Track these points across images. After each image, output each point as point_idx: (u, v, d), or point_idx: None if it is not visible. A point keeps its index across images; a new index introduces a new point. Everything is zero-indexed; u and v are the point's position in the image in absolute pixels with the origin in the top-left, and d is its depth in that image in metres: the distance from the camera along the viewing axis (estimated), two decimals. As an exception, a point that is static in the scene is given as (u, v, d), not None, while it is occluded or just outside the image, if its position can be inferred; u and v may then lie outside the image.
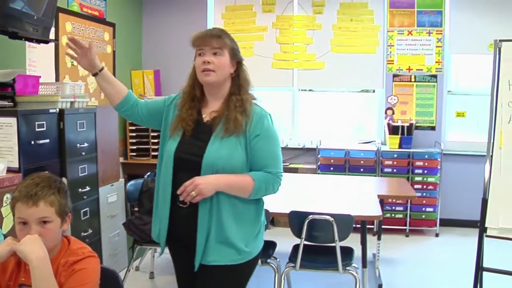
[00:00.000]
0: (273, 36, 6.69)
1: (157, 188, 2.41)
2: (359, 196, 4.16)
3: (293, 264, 3.43)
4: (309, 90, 6.82)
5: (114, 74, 6.04)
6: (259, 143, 2.26)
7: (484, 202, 3.37)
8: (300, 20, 6.65)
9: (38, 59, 4.66)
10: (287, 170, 6.15)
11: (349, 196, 4.14)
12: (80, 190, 3.78)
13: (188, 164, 2.26)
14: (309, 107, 6.86)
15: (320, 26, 6.60)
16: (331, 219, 3.19)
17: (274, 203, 3.57)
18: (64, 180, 3.60)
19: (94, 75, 2.48)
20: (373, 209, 3.56)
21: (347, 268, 3.40)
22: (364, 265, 3.55)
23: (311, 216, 3.21)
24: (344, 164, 6.14)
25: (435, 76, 6.42)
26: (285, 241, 3.86)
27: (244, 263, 2.29)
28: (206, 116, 2.35)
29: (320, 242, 3.37)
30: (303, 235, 3.25)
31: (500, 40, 3.33)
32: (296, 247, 3.55)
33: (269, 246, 3.63)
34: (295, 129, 6.82)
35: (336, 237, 3.22)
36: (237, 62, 2.35)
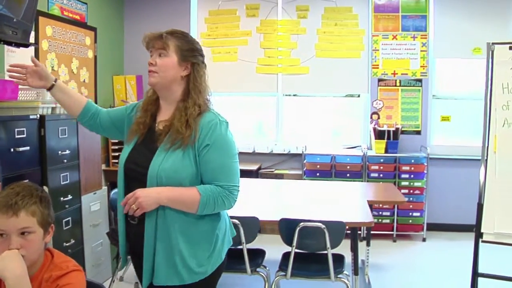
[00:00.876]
0: (257, 40, 6.62)
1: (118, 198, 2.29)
2: (349, 202, 4.10)
3: (283, 273, 3.34)
4: (294, 95, 6.76)
5: (95, 79, 5.94)
6: (208, 154, 2.08)
7: (480, 207, 3.32)
8: (284, 25, 6.59)
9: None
10: (273, 176, 6.10)
11: (338, 202, 4.06)
12: (62, 198, 3.65)
13: (136, 175, 2.14)
14: (294, 112, 6.80)
15: (305, 30, 6.55)
16: (323, 226, 3.11)
17: (261, 211, 3.52)
18: (45, 188, 3.47)
19: (49, 89, 2.32)
20: (365, 215, 3.49)
21: (339, 276, 3.31)
22: (355, 272, 3.47)
23: (302, 223, 3.12)
24: (330, 170, 6.08)
25: (420, 81, 6.40)
26: (273, 248, 3.77)
27: (199, 282, 2.12)
28: (158, 124, 2.22)
29: (311, 250, 3.29)
30: (294, 243, 3.16)
31: (493, 43, 3.28)
32: (286, 255, 3.47)
33: (258, 255, 3.55)
34: (280, 135, 6.75)
35: (328, 245, 3.14)
36: (192, 64, 2.17)
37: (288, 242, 3.22)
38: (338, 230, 3.15)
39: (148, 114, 2.24)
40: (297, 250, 3.25)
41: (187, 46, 2.17)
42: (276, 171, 6.32)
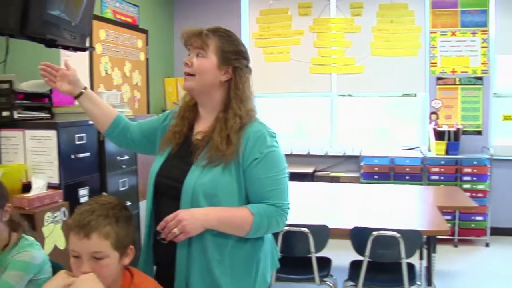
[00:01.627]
0: (310, 40, 6.44)
1: (146, 214, 2.01)
2: (416, 207, 3.90)
3: (353, 283, 3.17)
4: (348, 96, 6.55)
5: (147, 82, 5.89)
6: (257, 169, 1.80)
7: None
8: (338, 23, 6.39)
9: (74, 68, 4.47)
10: (329, 179, 5.92)
11: (406, 207, 3.85)
12: (121, 205, 3.57)
13: (168, 190, 1.87)
14: (349, 113, 6.59)
15: (359, 28, 6.34)
16: (398, 235, 2.92)
17: (330, 218, 3.36)
18: (105, 195, 3.40)
19: (78, 96, 2.11)
20: (438, 222, 3.27)
21: (412, 286, 3.12)
22: (429, 283, 3.27)
23: (375, 232, 2.94)
24: (389, 172, 5.85)
25: (480, 78, 6.10)
26: (335, 253, 3.60)
27: None
28: (196, 134, 1.94)
29: (384, 260, 3.09)
30: (367, 253, 2.98)
31: None
32: (354, 264, 3.31)
33: (325, 263, 3.38)
34: (334, 136, 6.55)
35: (403, 255, 2.95)
36: (234, 68, 1.89)
37: (360, 251, 3.04)
38: (413, 239, 2.96)
39: (185, 122, 1.97)
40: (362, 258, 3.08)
41: (229, 47, 1.89)
42: (332, 174, 6.13)
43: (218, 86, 1.88)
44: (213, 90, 1.88)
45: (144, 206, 3.97)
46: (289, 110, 6.79)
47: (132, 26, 5.60)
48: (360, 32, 6.33)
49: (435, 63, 6.18)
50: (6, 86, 3.16)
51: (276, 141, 1.88)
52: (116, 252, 1.57)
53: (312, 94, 6.60)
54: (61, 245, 2.89)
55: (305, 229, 2.98)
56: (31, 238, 1.99)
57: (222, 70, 1.87)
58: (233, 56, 1.89)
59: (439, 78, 6.17)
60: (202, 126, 1.94)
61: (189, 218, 1.71)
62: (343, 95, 6.53)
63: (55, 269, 1.90)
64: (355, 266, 3.30)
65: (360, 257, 3.13)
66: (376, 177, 5.85)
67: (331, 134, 6.56)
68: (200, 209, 1.75)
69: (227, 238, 1.79)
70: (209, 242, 1.78)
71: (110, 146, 3.45)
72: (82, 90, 2.11)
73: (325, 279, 3.26)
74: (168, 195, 1.86)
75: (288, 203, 1.87)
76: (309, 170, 6.07)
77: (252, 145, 1.81)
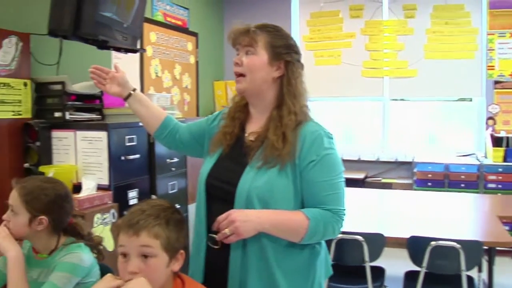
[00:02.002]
0: (362, 43, 6.30)
1: (195, 219, 1.91)
2: (476, 216, 3.71)
3: (408, 295, 3.03)
4: (401, 100, 6.37)
5: (197, 85, 5.88)
6: (314, 172, 1.70)
7: None
8: (390, 25, 6.23)
9: (123, 70, 4.49)
10: (380, 185, 5.76)
11: (464, 217, 3.67)
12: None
13: (220, 193, 1.78)
14: (401, 118, 6.40)
15: (412, 31, 6.15)
16: (458, 246, 2.76)
17: (383, 224, 3.22)
18: (154, 197, 3.37)
19: (127, 98, 2.08)
20: (499, 233, 3.10)
21: (472, 301, 2.96)
22: (490, 297, 3.09)
23: (434, 242, 2.79)
24: (443, 179, 5.62)
25: (541, 82, 5.82)
26: (388, 262, 3.45)
27: None
28: (248, 135, 1.85)
29: (442, 272, 2.93)
30: (425, 264, 2.84)
31: None
32: (409, 275, 3.17)
33: (378, 273, 3.24)
34: (386, 141, 6.38)
35: (463, 267, 2.79)
36: (286, 63, 1.80)
37: (417, 261, 2.90)
38: (474, 250, 2.80)
39: (236, 123, 1.88)
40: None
41: (279, 42, 1.79)
42: (384, 180, 5.96)
43: (271, 83, 1.79)
44: (265, 89, 1.80)
45: (193, 210, 3.95)
46: (339, 114, 6.67)
47: (182, 29, 5.60)
48: (413, 34, 6.14)
49: (493, 66, 5.92)
50: (58, 87, 3.19)
51: (333, 143, 1.77)
52: (166, 254, 1.49)
53: (364, 98, 6.45)
54: (110, 247, 2.86)
55: (359, 237, 2.86)
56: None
57: (274, 66, 1.78)
58: (284, 51, 1.79)
59: (496, 82, 5.91)
60: (254, 127, 1.86)
61: (242, 219, 1.63)
62: (396, 99, 6.36)
63: (103, 272, 1.85)
64: (410, 277, 3.16)
65: (415, 268, 2.99)
66: (429, 184, 5.64)
67: (382, 139, 6.40)
68: (254, 211, 1.67)
69: (284, 243, 1.71)
70: (267, 246, 1.69)
71: (160, 148, 3.42)
72: (131, 92, 2.08)
73: (378, 290, 3.13)
74: (220, 199, 1.78)
75: (345, 209, 1.75)
76: (360, 176, 5.93)
77: (309, 146, 1.72)
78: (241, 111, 1.91)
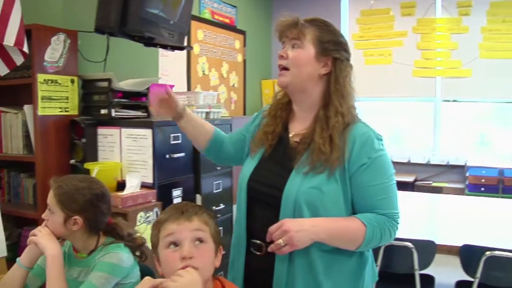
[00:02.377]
0: (414, 41, 6.12)
1: (234, 222, 1.85)
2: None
3: (460, 306, 2.88)
4: (453, 101, 6.13)
5: (244, 83, 5.84)
6: (366, 176, 1.61)
7: None
8: (443, 23, 6.02)
9: (170, 68, 4.50)
10: (430, 189, 5.57)
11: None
12: (214, 207, 3.49)
13: (264, 198, 1.70)
14: (454, 119, 6.17)
15: (467, 29, 5.92)
16: (516, 257, 2.60)
17: (434, 231, 3.08)
18: (198, 197, 3.34)
19: (179, 118, 1.98)
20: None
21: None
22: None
23: (489, 252, 2.63)
24: (498, 185, 5.40)
25: None
26: (437, 270, 3.30)
27: None
28: (293, 136, 1.77)
29: (498, 284, 2.76)
30: (478, 274, 2.68)
31: None
32: (461, 285, 3.02)
33: (427, 281, 3.11)
34: (437, 144, 6.18)
35: (522, 279, 2.63)
36: (334, 60, 1.70)
37: (470, 271, 2.75)
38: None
39: (277, 121, 1.80)
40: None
41: (328, 37, 1.70)
42: (434, 184, 5.77)
43: (317, 80, 1.70)
44: (310, 85, 1.71)
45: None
46: (389, 115, 6.50)
47: (230, 27, 5.56)
48: (467, 32, 5.92)
49: (552, 66, 5.65)
50: (105, 84, 3.18)
51: (383, 145, 1.68)
52: (213, 243, 1.45)
53: (414, 99, 6.26)
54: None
55: (409, 244, 2.74)
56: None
57: (321, 62, 1.70)
58: (333, 47, 1.70)
59: (556, 83, 5.64)
60: (298, 127, 1.77)
61: (297, 230, 1.54)
62: (448, 100, 6.13)
63: (144, 273, 1.80)
64: (461, 287, 3.01)
65: (468, 278, 2.84)
66: (482, 189, 5.42)
67: (433, 142, 6.20)
68: (308, 220, 1.58)
69: (333, 252, 1.62)
70: (315, 255, 1.61)
71: (205, 147, 3.38)
72: (183, 114, 1.97)
73: (427, 300, 3.00)
74: (263, 202, 1.71)
75: (399, 212, 1.67)
76: (409, 179, 5.76)
77: (359, 149, 1.63)
78: (283, 109, 1.83)
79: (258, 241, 1.68)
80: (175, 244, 1.41)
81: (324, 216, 1.61)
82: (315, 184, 1.61)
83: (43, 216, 1.81)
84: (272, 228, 1.57)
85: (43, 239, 1.75)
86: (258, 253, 1.69)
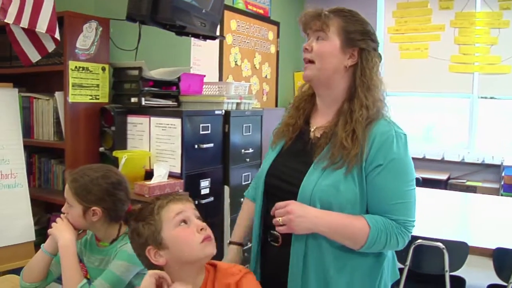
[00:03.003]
0: (451, 36, 5.97)
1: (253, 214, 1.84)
2: None
3: (491, 310, 2.79)
4: (491, 98, 5.96)
5: (277, 75, 5.79)
6: (381, 178, 1.55)
7: None
8: (483, 18, 5.85)
9: (202, 58, 4.47)
10: (464, 188, 5.44)
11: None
12: (242, 199, 3.43)
13: (280, 193, 1.66)
14: (491, 117, 6.01)
15: (508, 23, 5.74)
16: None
17: (466, 231, 2.99)
18: (227, 188, 3.31)
19: None
20: None
21: None
22: None
23: (524, 256, 2.54)
24: (534, 186, 5.25)
25: None
26: (471, 273, 3.21)
27: None
28: (314, 130, 1.71)
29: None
30: (512, 279, 2.60)
31: None
32: (493, 288, 2.93)
33: (458, 284, 3.02)
34: (472, 141, 6.03)
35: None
36: (360, 50, 1.63)
37: (503, 276, 2.66)
38: None
39: (300, 114, 1.77)
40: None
41: (354, 27, 1.63)
42: (468, 183, 5.63)
43: (343, 72, 1.64)
44: (336, 78, 1.64)
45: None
46: (424, 111, 6.37)
47: (263, 18, 5.51)
48: (508, 27, 5.75)
49: None
50: (135, 72, 3.17)
51: (406, 146, 1.60)
52: None
53: (450, 95, 6.12)
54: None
55: (440, 244, 2.66)
56: None
57: (347, 54, 1.63)
58: (359, 37, 1.63)
59: None
60: (320, 121, 1.72)
61: (299, 214, 1.53)
62: (485, 97, 5.97)
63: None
64: (493, 290, 2.93)
65: (500, 282, 2.75)
66: (519, 190, 5.27)
67: (469, 139, 6.05)
68: (314, 209, 1.55)
69: (345, 250, 1.58)
70: (327, 252, 1.58)
71: (235, 138, 3.35)
72: None
73: (457, 302, 2.91)
74: (280, 198, 1.65)
75: (413, 220, 1.59)
76: (443, 177, 5.64)
77: (378, 148, 1.56)
78: (307, 101, 1.79)
79: (275, 232, 1.66)
80: (185, 221, 1.47)
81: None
82: (332, 182, 1.56)
83: (63, 209, 1.80)
84: (279, 204, 1.57)
85: (57, 229, 1.77)
86: (275, 244, 1.68)
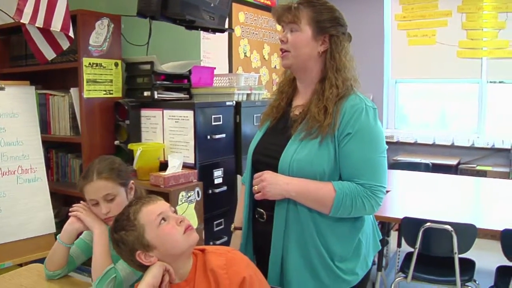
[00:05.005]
0: (459, 21, 5.97)
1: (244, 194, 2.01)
2: None
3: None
4: (500, 82, 5.97)
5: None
6: (349, 145, 1.69)
7: None
8: (490, 2, 5.83)
9: (212, 50, 4.54)
10: (474, 173, 5.47)
11: None
12: (255, 188, 3.52)
13: (265, 167, 1.79)
14: (500, 102, 6.00)
15: (515, 7, 5.73)
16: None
17: (475, 215, 3.04)
18: (239, 177, 3.39)
19: None
20: None
21: None
22: None
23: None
24: (545, 168, 5.27)
25: None
26: (480, 255, 3.26)
27: None
28: (294, 109, 1.88)
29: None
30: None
31: None
32: (503, 270, 2.99)
33: (467, 266, 3.08)
34: (482, 126, 6.04)
35: None
36: (330, 36, 1.78)
37: (511, 257, 2.72)
38: None
39: (283, 96, 1.94)
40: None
41: (324, 16, 1.78)
42: (478, 167, 5.65)
43: (317, 58, 1.80)
44: (311, 63, 1.81)
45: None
46: (432, 97, 6.38)
47: (271, 9, 5.54)
48: (516, 11, 5.73)
49: None
50: (147, 67, 3.25)
51: (375, 117, 1.75)
52: None
53: (459, 80, 6.13)
54: (194, 223, 2.91)
55: (449, 227, 2.72)
56: None
57: (318, 41, 1.78)
58: (329, 24, 1.79)
59: None
60: (300, 101, 1.89)
61: (271, 182, 1.71)
62: (494, 82, 5.97)
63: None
64: (503, 272, 2.99)
65: (509, 263, 2.82)
66: (528, 173, 5.30)
67: (478, 124, 6.06)
68: (285, 177, 1.73)
69: (322, 215, 1.72)
70: (306, 215, 1.73)
71: (246, 128, 3.41)
72: None
73: (467, 284, 2.96)
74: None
75: (382, 186, 1.72)
76: (453, 162, 5.67)
77: (348, 119, 1.71)
78: (289, 85, 1.95)
79: (261, 210, 1.85)
80: (164, 219, 1.56)
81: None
82: (307, 152, 1.71)
83: (104, 211, 1.83)
84: (256, 174, 1.77)
85: (90, 217, 1.86)
86: (261, 220, 1.86)
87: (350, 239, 1.78)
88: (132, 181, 1.94)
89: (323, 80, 1.79)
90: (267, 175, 1.73)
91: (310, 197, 1.70)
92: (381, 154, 1.74)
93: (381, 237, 1.97)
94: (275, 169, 1.76)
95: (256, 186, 1.74)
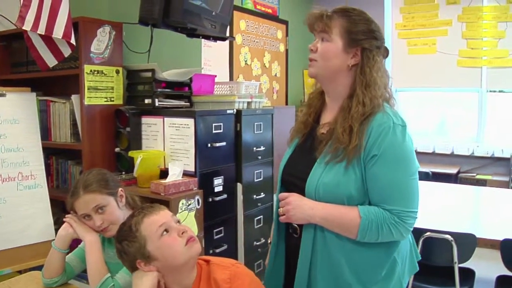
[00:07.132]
0: (459, 30, 6.01)
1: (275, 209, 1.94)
2: None
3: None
4: (500, 91, 5.98)
5: (286, 73, 5.85)
6: (375, 168, 1.58)
7: None
8: (490, 12, 5.87)
9: (213, 58, 4.55)
10: (474, 181, 5.48)
11: None
12: (254, 196, 3.53)
13: (294, 188, 1.73)
14: (499, 110, 6.03)
15: (515, 17, 5.76)
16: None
17: (475, 224, 3.03)
18: (239, 185, 3.38)
19: None
20: None
21: None
22: None
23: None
24: (544, 178, 5.27)
25: None
26: (478, 264, 3.25)
27: None
28: (321, 127, 1.78)
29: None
30: (521, 269, 2.66)
31: None
32: (502, 280, 2.98)
33: (467, 275, 3.07)
34: (482, 135, 6.06)
35: None
36: (362, 49, 1.67)
37: (511, 267, 2.71)
38: None
39: (311, 110, 1.85)
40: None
41: (358, 27, 1.66)
42: (478, 176, 5.66)
43: (346, 71, 1.69)
44: (339, 76, 1.70)
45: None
46: (433, 105, 6.40)
47: (272, 17, 5.58)
48: (516, 21, 5.76)
49: None
50: (148, 74, 3.26)
51: (403, 136, 1.61)
52: None
53: (459, 89, 6.15)
54: (195, 231, 2.91)
55: (449, 237, 2.72)
56: None
57: (350, 53, 1.67)
58: (362, 36, 1.66)
59: None
60: (328, 117, 1.78)
61: (295, 206, 1.67)
62: (494, 91, 6.00)
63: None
64: (502, 282, 2.98)
65: (509, 273, 2.81)
66: (528, 182, 5.30)
67: (478, 133, 6.08)
68: (310, 201, 1.66)
69: (352, 241, 1.63)
70: (332, 242, 1.66)
71: (247, 136, 3.42)
72: None
73: (467, 293, 2.96)
74: (295, 191, 1.74)
75: (411, 211, 1.60)
76: (453, 170, 5.68)
77: (374, 140, 1.59)
78: (317, 98, 1.86)
79: (295, 225, 1.76)
80: (166, 230, 1.57)
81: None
82: (333, 175, 1.62)
83: (98, 224, 1.87)
84: (281, 195, 1.73)
85: (80, 227, 1.89)
86: (295, 235, 1.78)
87: (383, 262, 1.68)
88: (121, 189, 1.94)
89: (351, 96, 1.68)
90: (292, 198, 1.67)
91: (335, 223, 1.63)
92: (411, 176, 1.61)
93: (419, 258, 1.87)
94: (302, 190, 1.69)
95: (281, 209, 1.70)
